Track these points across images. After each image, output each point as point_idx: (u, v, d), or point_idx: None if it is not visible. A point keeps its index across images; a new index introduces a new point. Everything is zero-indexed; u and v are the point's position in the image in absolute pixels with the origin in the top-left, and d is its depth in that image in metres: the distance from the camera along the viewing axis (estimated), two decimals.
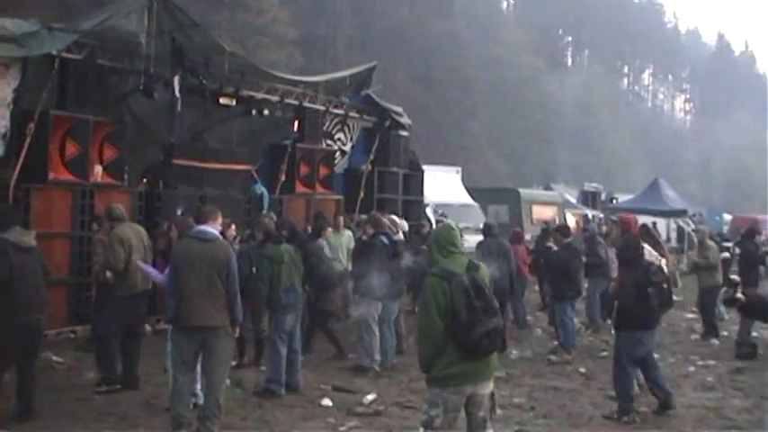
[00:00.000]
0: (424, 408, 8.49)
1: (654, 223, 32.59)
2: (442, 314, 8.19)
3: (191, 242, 11.47)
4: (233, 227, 16.38)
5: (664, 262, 14.84)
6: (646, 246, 14.68)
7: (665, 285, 13.23)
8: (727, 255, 21.37)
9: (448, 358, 8.23)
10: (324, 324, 17.02)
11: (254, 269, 14.23)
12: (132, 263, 13.36)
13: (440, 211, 30.50)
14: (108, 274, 13.62)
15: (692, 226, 43.84)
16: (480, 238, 20.73)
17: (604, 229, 33.91)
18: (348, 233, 20.57)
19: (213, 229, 11.50)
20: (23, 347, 11.50)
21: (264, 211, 21.21)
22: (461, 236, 12.45)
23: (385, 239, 15.84)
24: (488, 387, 8.52)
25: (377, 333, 15.76)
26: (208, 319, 11.10)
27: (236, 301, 11.32)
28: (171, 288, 11.24)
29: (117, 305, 13.44)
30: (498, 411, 12.39)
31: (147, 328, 18.21)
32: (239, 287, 11.51)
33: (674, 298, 23.98)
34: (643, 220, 29.32)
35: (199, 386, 12.36)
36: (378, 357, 15.68)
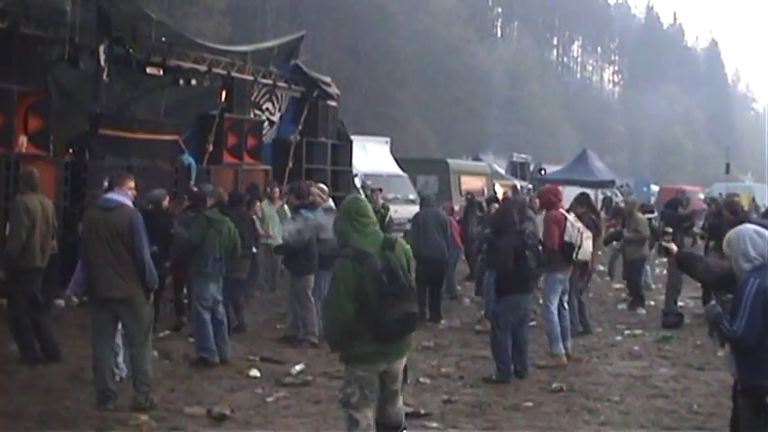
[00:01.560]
0: (341, 386, 8.39)
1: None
2: (352, 298, 7.91)
3: (96, 212, 11.41)
4: (168, 198, 16.36)
5: (586, 235, 14.98)
6: (570, 220, 14.84)
7: (539, 248, 13.66)
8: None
9: (359, 339, 8.02)
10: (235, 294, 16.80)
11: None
12: (34, 235, 13.09)
13: (368, 182, 30.44)
14: None
15: (620, 197, 44.34)
16: (410, 208, 20.82)
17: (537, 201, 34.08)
18: (282, 205, 20.48)
19: (121, 196, 11.33)
20: None
21: (192, 182, 21.09)
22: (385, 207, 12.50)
23: (306, 213, 15.71)
24: (402, 363, 8.41)
25: (312, 306, 15.63)
26: (116, 290, 11.00)
27: (147, 269, 11.13)
28: (82, 260, 11.26)
29: (20, 280, 13.20)
30: (426, 380, 12.60)
31: (75, 300, 18.11)
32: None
33: (600, 268, 24.49)
34: (570, 190, 29.59)
35: (121, 358, 12.32)
36: (315, 330, 15.56)
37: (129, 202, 11.42)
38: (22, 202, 13.12)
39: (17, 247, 12.88)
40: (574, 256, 14.65)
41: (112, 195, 11.42)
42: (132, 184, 11.68)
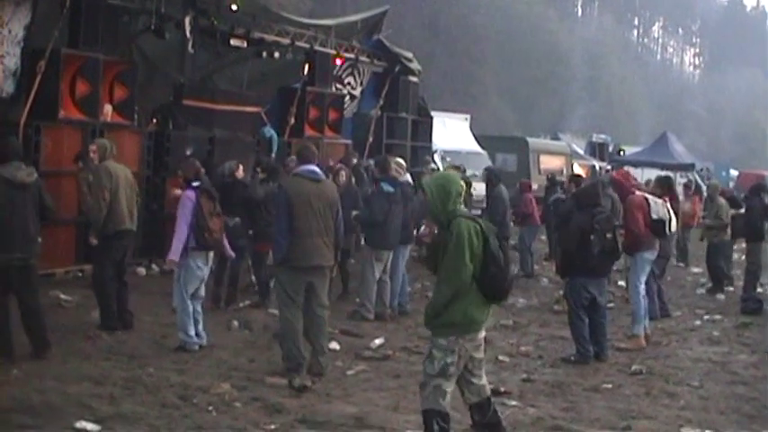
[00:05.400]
0: (437, 355, 8.30)
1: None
2: (473, 255, 8.11)
3: (304, 182, 11.64)
4: (241, 168, 16.41)
5: (669, 206, 14.95)
6: (651, 199, 14.75)
7: (608, 235, 13.35)
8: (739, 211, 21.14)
9: (468, 304, 8.17)
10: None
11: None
12: (120, 198, 13.27)
13: (448, 159, 30.40)
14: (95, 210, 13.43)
15: (698, 180, 43.82)
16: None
17: None
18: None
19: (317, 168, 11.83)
20: (7, 285, 11.40)
21: (273, 154, 21.19)
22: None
23: (387, 186, 15.72)
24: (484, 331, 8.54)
25: (373, 282, 15.62)
26: (323, 258, 11.54)
27: (342, 241, 11.96)
28: (283, 227, 11.40)
29: (106, 246, 13.35)
30: (506, 359, 12.59)
31: (155, 267, 18.32)
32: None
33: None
34: (650, 173, 29.37)
35: (201, 326, 12.63)
36: (370, 306, 15.61)
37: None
38: (104, 167, 13.29)
39: (103, 210, 13.05)
40: (666, 230, 14.57)
41: (314, 167, 11.79)
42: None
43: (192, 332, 12.45)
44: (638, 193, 14.99)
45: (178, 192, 13.46)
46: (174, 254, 12.38)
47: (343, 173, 16.60)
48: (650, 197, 14.83)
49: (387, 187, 15.65)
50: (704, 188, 33.97)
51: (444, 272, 8.28)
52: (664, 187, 16.58)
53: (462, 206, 8.49)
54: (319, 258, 11.51)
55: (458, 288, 8.14)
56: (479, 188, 21.93)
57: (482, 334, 8.46)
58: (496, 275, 8.16)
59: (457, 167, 24.15)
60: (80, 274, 16.92)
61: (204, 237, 12.43)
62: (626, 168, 19.06)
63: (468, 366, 8.39)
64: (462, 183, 8.69)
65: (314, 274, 11.56)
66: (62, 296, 14.95)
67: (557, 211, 20.61)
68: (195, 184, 12.58)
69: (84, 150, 16.49)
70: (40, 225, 11.80)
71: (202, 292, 12.86)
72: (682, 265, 25.18)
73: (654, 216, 14.46)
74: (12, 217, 11.18)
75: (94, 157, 13.47)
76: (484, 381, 8.61)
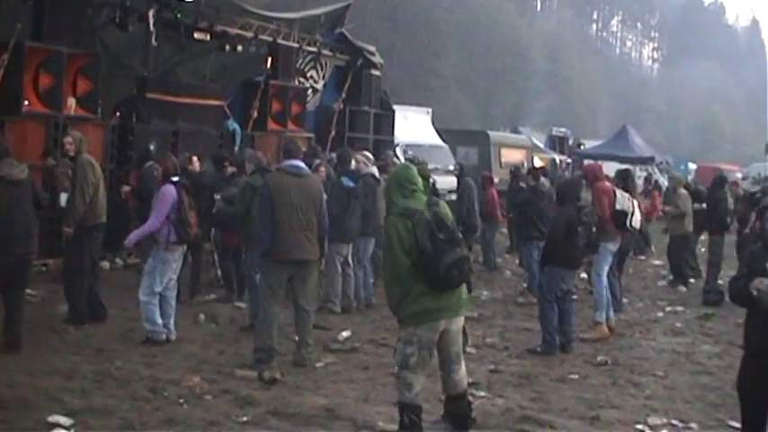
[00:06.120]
0: (398, 347, 8.67)
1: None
2: (406, 251, 8.39)
3: (286, 176, 11.83)
4: (195, 159, 16.42)
5: (637, 205, 15.15)
6: (618, 191, 14.92)
7: (593, 228, 13.62)
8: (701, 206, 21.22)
9: (417, 295, 8.44)
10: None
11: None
12: (99, 192, 13.38)
13: (409, 152, 30.45)
14: (62, 198, 13.66)
15: (657, 174, 44.14)
16: (450, 179, 20.93)
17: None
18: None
19: (303, 163, 12.03)
20: (7, 281, 11.49)
21: (236, 147, 21.16)
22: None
23: (347, 181, 15.74)
24: (460, 322, 8.77)
25: (337, 275, 15.68)
26: (305, 253, 11.68)
27: (326, 234, 12.06)
28: (265, 221, 11.59)
29: (84, 237, 13.31)
30: (472, 350, 12.66)
31: (119, 261, 18.29)
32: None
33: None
34: (610, 166, 29.53)
35: (171, 321, 12.69)
36: (336, 299, 15.64)
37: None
38: (87, 160, 13.33)
39: (85, 204, 13.08)
40: (627, 223, 14.74)
41: (298, 162, 11.97)
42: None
43: (160, 321, 12.46)
44: (606, 182, 15.17)
45: (127, 188, 13.57)
46: (134, 238, 12.64)
47: (322, 168, 16.59)
48: (618, 189, 15.01)
49: (347, 182, 15.68)
50: (663, 182, 34.26)
51: (384, 266, 8.96)
52: (623, 180, 16.70)
53: (418, 197, 8.76)
54: (300, 253, 11.64)
55: (397, 281, 8.51)
56: (440, 182, 21.98)
57: (444, 324, 8.63)
58: (428, 265, 8.36)
59: (411, 160, 24.26)
60: (44, 269, 16.84)
61: (186, 231, 12.54)
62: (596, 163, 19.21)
63: (443, 359, 8.56)
64: (417, 175, 8.99)
65: (296, 267, 11.71)
66: (27, 291, 14.86)
67: (513, 200, 20.72)
68: (175, 179, 12.61)
69: (51, 145, 16.51)
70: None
71: (174, 285, 12.88)
72: (642, 257, 25.31)
73: (618, 207, 14.63)
74: (11, 214, 11.34)
75: (70, 149, 13.39)
76: (461, 374, 8.80)
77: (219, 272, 16.68)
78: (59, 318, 13.40)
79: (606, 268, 14.98)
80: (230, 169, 16.23)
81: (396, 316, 8.84)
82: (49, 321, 13.24)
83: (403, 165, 9.43)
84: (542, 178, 18.85)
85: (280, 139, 23.51)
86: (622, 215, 14.70)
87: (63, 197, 13.98)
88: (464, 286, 8.88)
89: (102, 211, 13.47)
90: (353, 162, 16.34)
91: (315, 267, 12.13)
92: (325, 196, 12.33)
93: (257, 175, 13.81)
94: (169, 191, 12.48)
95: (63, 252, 14.49)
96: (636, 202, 15.24)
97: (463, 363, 9.02)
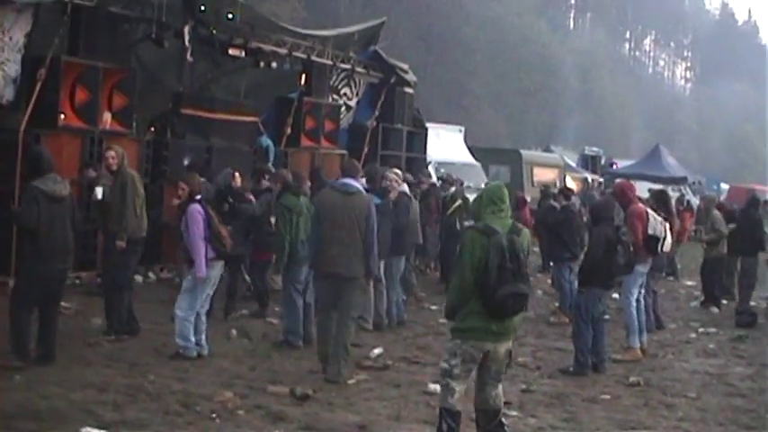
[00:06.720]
0: (444, 357, 8.88)
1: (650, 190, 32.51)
2: (474, 266, 8.50)
3: (334, 194, 12.22)
4: (238, 176, 16.50)
5: (668, 226, 15.08)
6: (651, 214, 14.86)
7: (631, 248, 13.63)
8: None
9: (470, 310, 8.58)
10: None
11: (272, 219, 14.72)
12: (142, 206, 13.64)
13: (441, 170, 30.48)
14: (98, 192, 14.05)
15: (689, 194, 43.89)
16: None
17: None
18: None
19: (357, 182, 12.31)
20: (45, 295, 11.61)
21: (270, 164, 21.23)
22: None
23: (375, 198, 15.61)
24: (507, 345, 8.81)
25: (369, 293, 15.45)
26: (341, 268, 11.88)
27: (372, 253, 12.09)
28: (313, 236, 12.21)
29: (131, 251, 13.48)
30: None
31: (152, 275, 18.37)
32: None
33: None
34: (642, 186, 29.43)
35: (203, 336, 12.74)
36: (367, 316, 15.59)
37: (362, 189, 12.52)
38: (134, 175, 13.69)
39: (135, 217, 13.41)
40: (659, 248, 14.69)
41: (351, 181, 12.26)
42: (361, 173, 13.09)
43: (192, 338, 12.53)
44: (639, 204, 15.11)
45: (176, 201, 13.66)
46: (201, 270, 12.50)
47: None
48: (651, 212, 14.94)
49: (374, 199, 15.66)
50: (695, 203, 34.10)
51: (452, 272, 9.24)
52: (659, 202, 16.66)
53: (504, 218, 8.87)
54: (337, 267, 11.87)
55: (458, 291, 8.71)
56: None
57: (491, 345, 8.73)
58: (487, 288, 8.47)
59: (444, 179, 24.26)
60: (77, 282, 16.92)
61: (223, 245, 12.67)
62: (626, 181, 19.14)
63: (481, 374, 8.68)
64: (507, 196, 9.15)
65: (338, 282, 11.94)
66: (61, 303, 14.95)
67: (544, 220, 20.67)
68: (198, 197, 12.70)
69: (87, 159, 16.64)
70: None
71: (208, 301, 12.96)
72: (671, 278, 25.19)
73: (650, 231, 14.56)
74: (53, 230, 11.49)
75: (113, 163, 13.53)
76: (497, 392, 8.89)
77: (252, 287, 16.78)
78: (93, 331, 13.50)
79: (636, 291, 14.91)
80: (265, 183, 16.39)
81: (447, 320, 9.22)
82: (82, 334, 13.33)
83: (497, 183, 9.57)
84: (573, 197, 18.83)
85: (313, 155, 23.59)
86: (654, 240, 14.64)
87: (99, 191, 14.12)
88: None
89: (144, 225, 13.71)
90: (385, 180, 16.34)
91: (356, 284, 12.18)
92: (373, 215, 12.34)
93: (288, 194, 13.94)
94: (197, 209, 12.58)
95: (105, 265, 14.61)
96: (668, 225, 15.17)
97: (501, 383, 9.05)
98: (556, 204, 20.53)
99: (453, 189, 22.47)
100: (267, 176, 16.68)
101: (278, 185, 15.19)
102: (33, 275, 11.56)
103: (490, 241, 8.53)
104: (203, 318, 12.79)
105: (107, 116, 18.08)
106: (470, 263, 8.53)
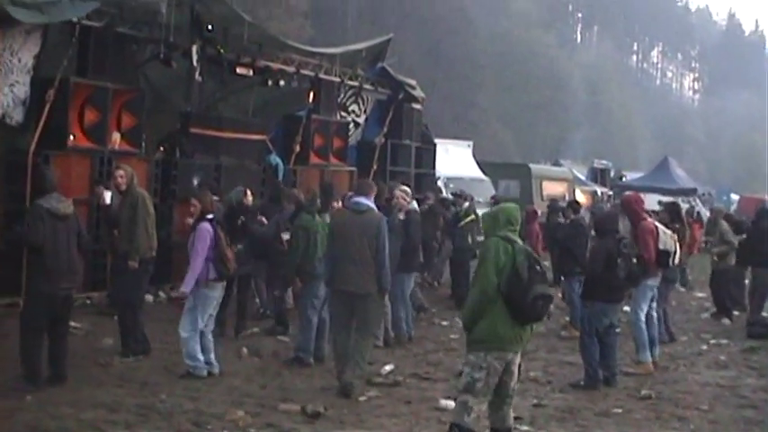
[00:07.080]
0: (465, 371, 8.85)
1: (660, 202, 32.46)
2: (498, 271, 8.61)
3: (346, 213, 12.66)
4: (249, 194, 16.51)
5: (676, 238, 15.06)
6: (661, 228, 14.83)
7: (634, 260, 13.53)
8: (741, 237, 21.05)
9: (493, 319, 8.62)
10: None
11: (284, 237, 14.96)
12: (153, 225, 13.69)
13: (451, 185, 30.49)
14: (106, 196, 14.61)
15: (699, 205, 43.81)
16: None
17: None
18: None
19: (368, 200, 12.41)
20: (52, 315, 11.63)
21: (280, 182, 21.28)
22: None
23: None
24: (519, 357, 8.77)
25: (386, 309, 15.47)
26: (352, 285, 12.05)
27: (384, 270, 12.24)
28: (329, 254, 12.43)
29: (144, 271, 13.55)
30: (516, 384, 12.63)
31: (162, 295, 18.39)
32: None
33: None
34: (652, 198, 29.39)
35: (213, 355, 12.70)
36: (378, 333, 15.53)
37: (374, 207, 12.58)
38: (145, 194, 13.82)
39: (147, 236, 13.50)
40: (671, 262, 14.69)
41: (362, 199, 12.41)
42: (375, 191, 13.06)
43: (201, 357, 12.54)
44: (648, 219, 15.08)
45: (190, 220, 13.66)
46: (187, 286, 12.50)
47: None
48: (660, 226, 14.92)
49: None
50: (705, 214, 34.04)
51: (473, 280, 9.14)
52: (672, 213, 16.65)
53: (515, 236, 9.02)
54: (348, 284, 12.04)
55: (481, 297, 8.68)
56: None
57: (511, 356, 8.79)
58: (517, 291, 8.57)
59: (459, 195, 24.31)
60: (88, 302, 16.96)
61: (226, 267, 12.64)
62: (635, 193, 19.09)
63: (499, 390, 8.67)
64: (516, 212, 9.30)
65: (352, 299, 12.10)
66: (72, 323, 14.95)
67: (553, 234, 20.68)
68: (209, 216, 12.71)
69: (98, 178, 16.71)
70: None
71: (212, 320, 12.96)
72: (683, 289, 25.15)
73: (661, 246, 14.54)
74: (57, 248, 11.51)
75: (122, 182, 13.59)
76: (511, 410, 8.86)
77: (261, 307, 16.83)
78: (104, 351, 13.51)
79: (645, 306, 14.85)
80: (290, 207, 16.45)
81: (465, 331, 9.10)
82: (93, 354, 13.35)
83: (514, 205, 9.63)
84: (582, 211, 18.83)
85: (322, 173, 23.60)
86: (666, 255, 14.62)
87: (107, 195, 14.19)
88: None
89: (155, 244, 13.75)
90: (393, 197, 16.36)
91: (370, 301, 12.23)
92: (384, 232, 12.41)
93: (304, 214, 14.00)
94: (206, 228, 12.58)
95: (117, 285, 14.66)
96: (677, 240, 15.17)
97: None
98: (561, 220, 20.55)
99: (467, 204, 22.49)
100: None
101: (290, 205, 15.27)
102: (39, 295, 11.58)
103: (515, 247, 8.72)
104: (209, 336, 12.77)
105: (116, 136, 18.16)
106: (495, 265, 8.63)
